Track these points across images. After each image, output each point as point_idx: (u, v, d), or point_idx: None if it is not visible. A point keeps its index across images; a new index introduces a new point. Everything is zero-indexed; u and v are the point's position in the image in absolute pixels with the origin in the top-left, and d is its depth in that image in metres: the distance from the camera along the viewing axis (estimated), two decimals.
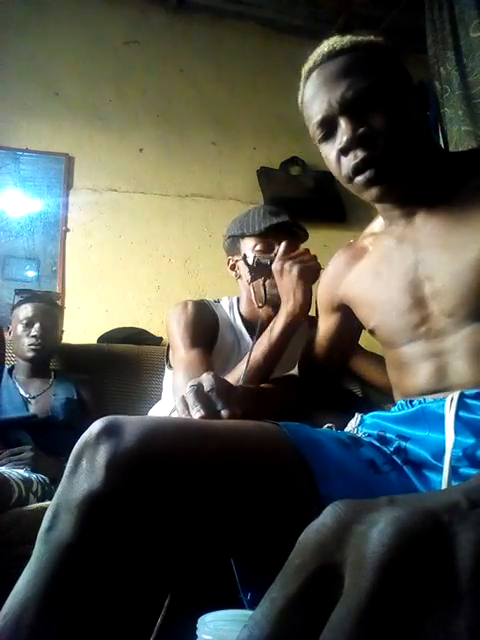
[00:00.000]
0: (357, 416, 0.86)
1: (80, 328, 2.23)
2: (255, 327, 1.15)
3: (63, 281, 2.32)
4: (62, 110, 2.45)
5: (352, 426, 0.84)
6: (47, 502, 1.29)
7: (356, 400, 1.61)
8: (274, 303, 1.23)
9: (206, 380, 0.78)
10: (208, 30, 2.71)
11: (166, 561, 0.58)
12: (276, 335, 1.14)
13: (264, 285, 1.21)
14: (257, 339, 1.15)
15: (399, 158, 0.74)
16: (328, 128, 0.76)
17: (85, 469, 0.57)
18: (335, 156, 0.77)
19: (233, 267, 1.42)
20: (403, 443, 0.74)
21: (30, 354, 1.77)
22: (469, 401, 0.70)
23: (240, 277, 1.40)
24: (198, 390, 0.75)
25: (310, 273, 1.12)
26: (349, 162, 0.74)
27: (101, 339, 2.16)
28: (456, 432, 0.68)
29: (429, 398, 0.75)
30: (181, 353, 1.27)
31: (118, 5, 2.60)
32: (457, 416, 0.69)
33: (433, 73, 2.26)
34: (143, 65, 2.61)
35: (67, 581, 0.52)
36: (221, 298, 1.49)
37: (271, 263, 1.17)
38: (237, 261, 1.38)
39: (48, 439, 1.59)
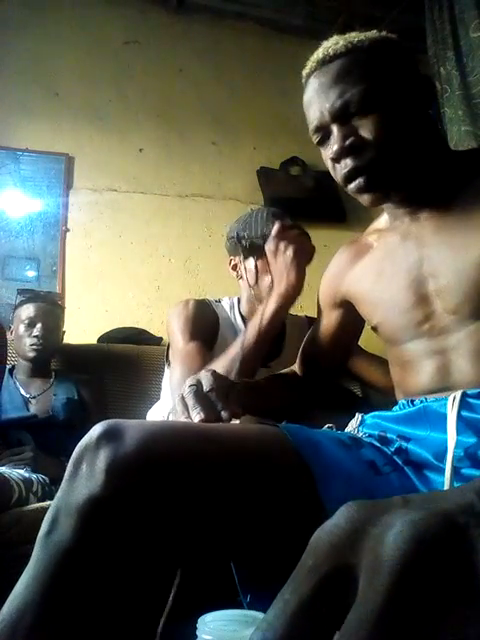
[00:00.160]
0: (357, 416, 0.86)
1: (80, 328, 2.23)
2: None
3: (63, 281, 2.32)
4: (62, 110, 2.45)
5: (353, 426, 0.84)
6: (47, 502, 1.29)
7: (356, 400, 1.61)
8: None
9: (205, 379, 0.77)
10: (208, 30, 2.71)
11: (166, 565, 0.58)
12: (268, 317, 1.09)
13: (256, 265, 1.18)
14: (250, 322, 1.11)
15: (391, 165, 0.74)
16: (322, 134, 0.78)
17: (85, 473, 0.56)
18: (330, 162, 0.78)
19: (235, 267, 1.42)
20: (404, 444, 0.74)
21: (31, 354, 1.77)
22: (471, 400, 0.69)
23: (241, 278, 1.40)
24: (197, 390, 0.75)
25: (304, 254, 1.10)
26: (340, 170, 0.76)
27: (101, 339, 2.16)
28: (458, 432, 0.68)
29: (431, 397, 0.75)
30: (179, 346, 1.26)
31: (118, 5, 2.60)
32: (459, 415, 0.68)
33: (433, 73, 2.26)
34: (143, 65, 2.60)
35: (66, 586, 0.52)
36: (222, 298, 1.49)
37: (264, 242, 1.14)
38: (239, 262, 1.38)
39: (48, 439, 1.59)
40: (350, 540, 0.31)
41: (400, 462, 0.74)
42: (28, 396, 1.73)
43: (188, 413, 0.73)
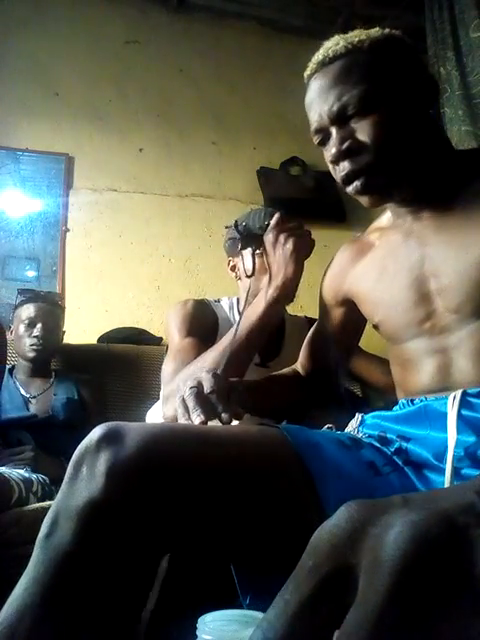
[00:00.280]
0: (357, 416, 0.86)
1: (80, 328, 2.23)
2: None
3: (63, 281, 2.32)
4: (62, 110, 2.45)
5: (353, 427, 0.84)
6: (47, 502, 1.29)
7: (356, 400, 1.61)
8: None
9: (206, 380, 0.77)
10: (208, 30, 2.71)
11: (165, 568, 0.58)
12: (262, 309, 1.06)
13: (253, 255, 1.16)
14: (243, 311, 1.08)
15: (390, 167, 0.74)
16: (322, 136, 0.78)
17: (85, 476, 0.56)
18: (330, 164, 0.78)
19: (233, 268, 1.42)
20: (404, 444, 0.74)
21: (31, 354, 1.77)
22: (472, 399, 0.69)
23: (240, 279, 1.40)
24: (198, 392, 0.75)
25: (305, 247, 1.07)
26: (339, 172, 0.76)
27: (101, 339, 2.16)
28: (458, 431, 0.68)
29: (431, 396, 0.75)
30: (175, 341, 1.25)
31: (118, 5, 2.60)
32: (459, 414, 0.69)
33: (433, 73, 2.26)
34: (143, 65, 2.60)
35: (65, 588, 0.52)
36: (221, 298, 1.49)
37: (262, 233, 1.11)
38: (237, 262, 1.37)
39: (49, 439, 1.59)
40: (350, 540, 0.31)
41: (400, 462, 0.74)
42: (28, 396, 1.73)
43: (188, 415, 0.72)
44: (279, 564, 0.34)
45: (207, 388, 0.76)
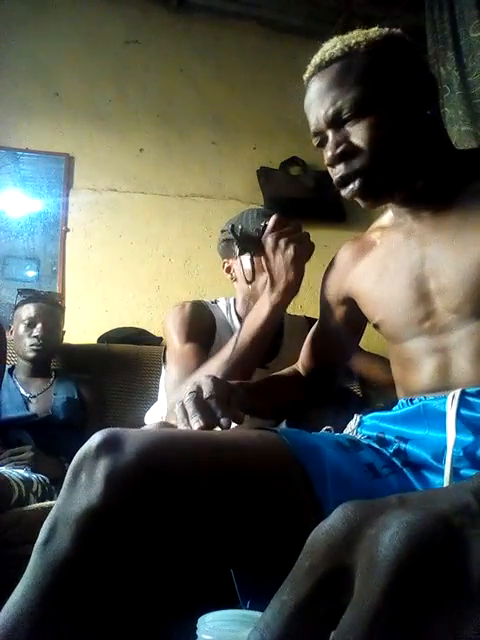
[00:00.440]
0: (356, 417, 0.85)
1: (80, 328, 2.23)
2: None
3: (63, 281, 2.32)
4: (62, 110, 2.45)
5: (351, 428, 0.84)
6: (47, 502, 1.29)
7: (356, 400, 1.61)
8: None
9: (206, 385, 0.76)
10: (208, 30, 2.71)
11: (165, 575, 0.58)
12: (264, 315, 1.05)
13: (252, 260, 1.15)
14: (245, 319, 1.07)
15: (385, 169, 0.74)
16: (320, 139, 0.79)
17: (84, 482, 0.56)
18: (327, 166, 0.79)
19: (228, 270, 1.41)
20: (403, 445, 0.74)
21: (31, 354, 1.77)
22: (471, 399, 0.70)
23: (235, 280, 1.40)
24: (197, 397, 0.74)
25: (305, 252, 1.05)
26: (335, 175, 0.77)
27: (101, 339, 2.16)
28: (457, 430, 0.68)
29: (430, 396, 0.75)
30: (175, 347, 1.25)
31: (118, 5, 2.60)
32: (458, 414, 0.69)
33: (433, 73, 2.26)
34: (143, 65, 2.60)
35: (63, 595, 0.52)
36: (219, 298, 1.48)
37: (260, 236, 1.09)
38: (232, 264, 1.37)
39: (48, 439, 1.59)
40: (346, 541, 0.31)
41: (399, 463, 0.74)
42: (28, 396, 1.73)
43: (187, 420, 0.72)
44: (279, 568, 0.34)
45: (206, 393, 0.75)
